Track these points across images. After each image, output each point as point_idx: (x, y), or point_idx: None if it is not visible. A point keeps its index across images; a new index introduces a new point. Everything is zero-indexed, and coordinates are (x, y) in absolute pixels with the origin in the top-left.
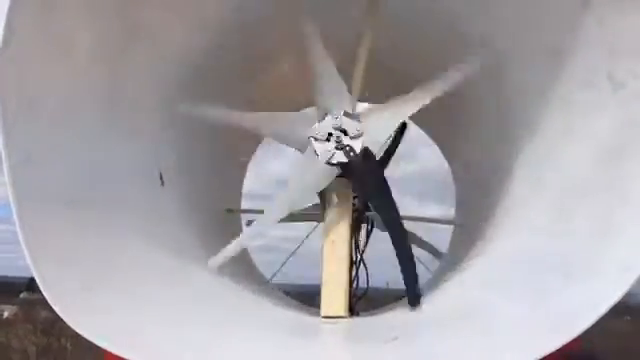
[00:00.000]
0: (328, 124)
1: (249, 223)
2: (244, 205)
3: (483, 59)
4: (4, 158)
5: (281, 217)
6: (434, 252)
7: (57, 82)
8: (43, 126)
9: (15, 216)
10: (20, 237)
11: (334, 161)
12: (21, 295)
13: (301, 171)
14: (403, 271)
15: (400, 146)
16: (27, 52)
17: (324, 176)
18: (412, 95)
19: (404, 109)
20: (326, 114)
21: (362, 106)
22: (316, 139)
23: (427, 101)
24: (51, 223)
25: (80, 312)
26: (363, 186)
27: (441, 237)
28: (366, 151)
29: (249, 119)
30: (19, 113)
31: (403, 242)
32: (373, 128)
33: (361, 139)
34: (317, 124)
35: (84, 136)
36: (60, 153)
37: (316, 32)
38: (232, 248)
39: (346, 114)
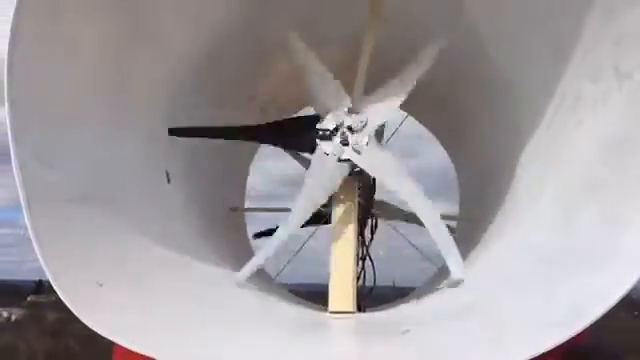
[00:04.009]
0: (331, 122)
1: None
2: (247, 204)
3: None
4: (13, 158)
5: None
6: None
7: (65, 82)
8: (52, 126)
9: (25, 215)
10: (31, 235)
11: (344, 157)
12: (28, 298)
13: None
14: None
15: (404, 142)
16: (35, 53)
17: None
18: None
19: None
20: (327, 113)
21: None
22: (322, 138)
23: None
24: (61, 222)
25: (92, 308)
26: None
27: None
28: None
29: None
30: (28, 113)
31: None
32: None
33: (366, 130)
34: (320, 124)
35: (92, 135)
36: (68, 152)
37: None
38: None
39: (347, 111)
